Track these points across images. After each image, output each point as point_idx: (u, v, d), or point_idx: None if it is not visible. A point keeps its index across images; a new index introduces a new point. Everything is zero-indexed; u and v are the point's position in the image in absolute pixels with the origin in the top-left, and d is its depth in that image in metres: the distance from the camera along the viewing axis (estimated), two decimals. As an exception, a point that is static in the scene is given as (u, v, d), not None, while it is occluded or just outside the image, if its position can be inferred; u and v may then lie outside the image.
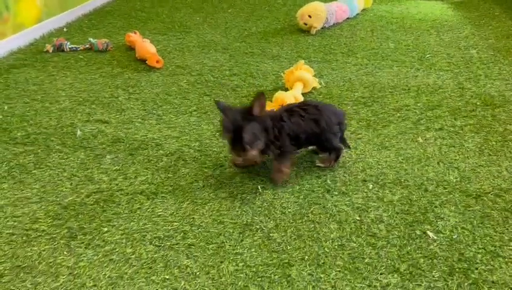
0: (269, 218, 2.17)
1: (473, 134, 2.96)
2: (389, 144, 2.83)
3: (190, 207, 2.22)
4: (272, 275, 1.87)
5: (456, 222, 2.19)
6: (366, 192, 2.39)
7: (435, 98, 3.44)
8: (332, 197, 2.34)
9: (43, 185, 2.39)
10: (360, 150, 2.76)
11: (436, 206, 2.30)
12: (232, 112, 2.10)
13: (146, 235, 2.05)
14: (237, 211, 2.21)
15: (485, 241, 2.08)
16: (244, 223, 2.13)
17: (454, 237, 2.10)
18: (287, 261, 1.94)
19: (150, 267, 1.88)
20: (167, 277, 1.84)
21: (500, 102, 3.36)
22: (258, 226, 2.12)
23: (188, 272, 1.87)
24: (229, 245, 2.01)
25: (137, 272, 1.86)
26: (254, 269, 1.89)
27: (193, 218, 2.16)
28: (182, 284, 1.81)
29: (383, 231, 2.12)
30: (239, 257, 1.95)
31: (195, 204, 2.24)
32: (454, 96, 3.46)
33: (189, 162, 2.57)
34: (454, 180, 2.51)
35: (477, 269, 1.93)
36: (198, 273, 1.87)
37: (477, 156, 2.74)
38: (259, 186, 2.40)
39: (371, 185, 2.44)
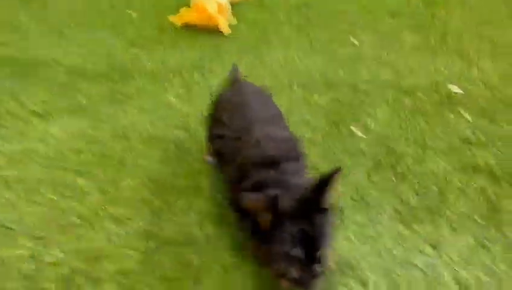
0: (182, 129, 1.92)
1: (412, 33, 2.74)
2: (320, 48, 2.59)
3: (89, 124, 1.94)
4: (179, 186, 1.63)
5: (386, 118, 2.01)
6: (291, 96, 2.15)
7: (375, 1, 3.17)
8: (254, 103, 2.10)
9: None
10: (290, 56, 2.50)
11: (367, 105, 2.10)
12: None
13: (34, 157, 1.77)
14: (145, 124, 1.94)
15: (416, 134, 1.91)
16: (153, 136, 1.88)
17: (383, 133, 1.92)
18: (197, 169, 1.71)
19: (34, 189, 1.62)
20: (54, 198, 1.58)
21: (442, 0, 3.13)
22: (167, 138, 1.87)
23: (79, 191, 1.61)
24: (132, 159, 1.75)
25: (19, 196, 1.59)
26: (158, 182, 1.65)
27: (91, 135, 1.88)
28: (71, 204, 1.56)
29: (307, 133, 1.91)
30: (142, 170, 1.70)
31: (95, 120, 1.96)
32: (395, -2, 3.21)
33: (93, 78, 2.26)
34: (388, 78, 2.31)
35: (405, 161, 1.77)
36: (90, 191, 1.61)
37: (415, 54, 2.53)
38: (173, 98, 2.12)
39: (298, 89, 2.21)
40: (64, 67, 2.32)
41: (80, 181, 1.65)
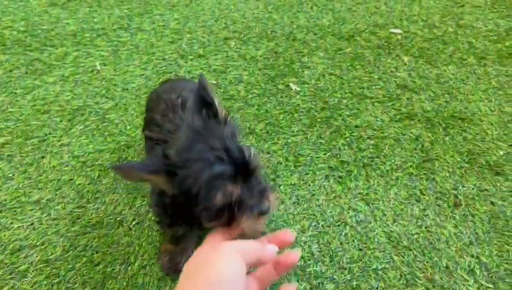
0: (107, 98, 1.80)
1: (353, -30, 2.60)
2: (258, -7, 2.43)
3: (8, 100, 1.79)
4: (104, 162, 1.55)
5: (323, 68, 1.93)
6: (226, 51, 2.04)
7: None
8: (186, 62, 1.98)
9: None
10: (225, 4, 2.35)
11: (304, 55, 2.01)
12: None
13: None
14: (67, 95, 1.81)
15: (353, 84, 1.85)
16: (75, 108, 1.75)
17: (320, 85, 1.85)
18: (124, 143, 1.62)
19: (-51, 180, 1.50)
20: (-30, 187, 1.48)
21: None
22: (91, 110, 1.75)
23: (0, 177, 1.51)
24: (54, 136, 1.64)
25: None
26: (82, 159, 1.56)
27: (10, 112, 1.74)
28: (-10, 192, 1.46)
29: (242, 91, 1.82)
30: (65, 148, 1.60)
31: (14, 95, 1.81)
32: None
33: (10, 47, 2.06)
34: (327, 23, 2.20)
35: (340, 115, 1.71)
36: (12, 175, 1.51)
37: (356, -6, 2.42)
38: (97, 63, 1.97)
39: (233, 43, 2.09)
40: (-24, 36, 2.11)
41: (1, 165, 1.55)
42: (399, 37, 2.09)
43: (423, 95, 1.79)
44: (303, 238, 1.33)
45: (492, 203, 1.41)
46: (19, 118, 1.72)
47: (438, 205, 1.41)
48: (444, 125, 1.67)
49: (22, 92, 1.83)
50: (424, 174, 1.50)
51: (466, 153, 1.56)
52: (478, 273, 1.24)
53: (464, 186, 1.46)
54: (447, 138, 1.62)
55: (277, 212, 1.40)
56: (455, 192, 1.44)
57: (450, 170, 1.51)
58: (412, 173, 1.51)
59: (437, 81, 1.85)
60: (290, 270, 1.24)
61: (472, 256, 1.28)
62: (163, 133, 1.09)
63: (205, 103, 0.94)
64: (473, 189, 1.45)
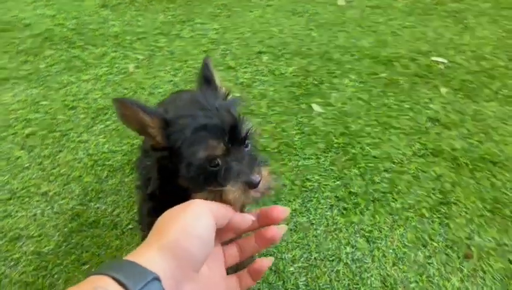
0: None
1: (406, -7, 2.49)
2: (302, 9, 2.40)
3: (42, 93, 1.89)
4: (115, 163, 1.58)
5: (352, 92, 1.85)
6: (257, 65, 2.02)
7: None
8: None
9: None
10: (266, 18, 2.33)
11: (335, 76, 1.94)
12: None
13: (-21, 127, 1.74)
14: (96, 94, 1.87)
15: (380, 112, 1.75)
16: (100, 107, 1.81)
17: (345, 109, 1.77)
18: (137, 146, 1.64)
19: (-27, 162, 1.61)
20: (-9, 171, 1.57)
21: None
22: (114, 111, 1.79)
23: (18, 165, 1.59)
24: (75, 132, 1.70)
25: (-43, 168, 1.59)
26: (95, 158, 1.60)
27: (42, 104, 1.83)
28: (6, 178, 1.54)
29: (263, 107, 1.79)
30: (82, 145, 1.65)
31: (49, 89, 1.91)
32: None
33: (57, 43, 2.18)
34: (367, 45, 2.11)
35: (359, 143, 1.63)
36: (28, 165, 1.59)
37: (404, 17, 2.31)
38: (130, 66, 2.03)
39: (265, 57, 2.06)
40: (32, 31, 2.25)
41: (21, 154, 1.63)
42: (441, 66, 1.95)
43: (455, 132, 1.65)
44: (291, 269, 1.27)
45: (510, 260, 1.26)
46: (48, 111, 1.80)
47: (446, 254, 1.29)
48: (471, 167, 1.52)
49: (57, 87, 1.92)
50: (438, 217, 1.38)
51: (490, 201, 1.42)
52: (476, 338, 1.10)
53: (480, 237, 1.32)
54: (471, 181, 1.48)
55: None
56: (468, 242, 1.31)
57: (468, 217, 1.38)
58: (424, 215, 1.39)
59: (474, 118, 1.71)
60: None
61: (473, 318, 1.15)
62: None
63: (207, 81, 0.95)
64: (490, 242, 1.31)
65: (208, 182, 0.84)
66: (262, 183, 0.84)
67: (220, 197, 0.83)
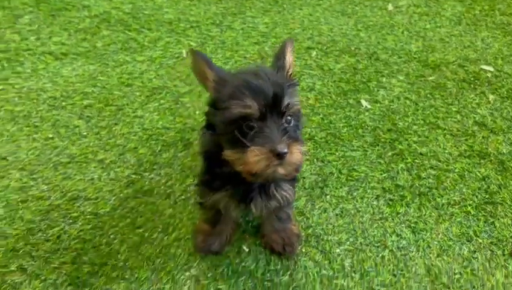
0: (185, 83, 1.91)
1: (455, 2, 2.51)
2: (351, 11, 2.44)
3: (99, 69, 1.98)
4: (168, 139, 1.65)
5: (400, 91, 1.88)
6: (306, 60, 2.07)
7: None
8: (265, 64, 2.04)
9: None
10: (315, 17, 2.38)
11: (383, 76, 1.97)
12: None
13: (42, 95, 1.83)
14: (151, 74, 1.95)
15: (428, 112, 1.78)
16: (155, 86, 1.88)
17: (392, 107, 1.81)
18: (190, 125, 1.71)
19: (36, 126, 1.69)
20: (51, 136, 1.65)
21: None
22: (168, 91, 1.87)
23: (76, 132, 1.67)
24: (130, 108, 1.78)
25: (21, 130, 1.67)
26: (150, 132, 1.67)
27: (99, 80, 1.92)
28: (65, 143, 1.62)
29: (311, 99, 1.84)
30: (137, 119, 1.73)
31: (105, 66, 1.99)
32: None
33: (113, 24, 2.27)
34: (415, 49, 2.15)
35: (407, 140, 1.66)
36: (86, 133, 1.67)
37: (452, 25, 2.33)
38: (184, 51, 2.10)
39: (314, 53, 2.11)
40: (89, 12, 2.35)
41: (79, 123, 1.71)
42: (489, 75, 1.97)
43: (502, 137, 1.67)
44: (337, 251, 1.31)
45: (555, 262, 1.28)
46: (105, 86, 1.88)
47: (491, 251, 1.31)
48: (518, 171, 1.54)
49: (113, 65, 2.00)
50: (483, 216, 1.40)
51: (537, 205, 1.43)
52: (521, 331, 1.12)
53: (525, 238, 1.34)
54: (518, 185, 1.50)
55: (314, 221, 1.38)
56: (514, 241, 1.33)
57: (514, 218, 1.39)
58: (470, 213, 1.41)
59: (521, 125, 1.72)
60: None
61: (518, 312, 1.16)
62: None
63: (277, 59, 1.07)
64: (535, 243, 1.32)
65: (238, 141, 0.89)
66: (289, 158, 0.88)
67: (243, 159, 0.88)
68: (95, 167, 1.54)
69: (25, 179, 1.49)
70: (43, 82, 1.90)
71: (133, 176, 1.52)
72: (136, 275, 1.24)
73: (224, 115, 0.93)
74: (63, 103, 1.80)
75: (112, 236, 1.33)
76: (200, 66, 1.04)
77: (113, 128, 1.69)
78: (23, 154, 1.58)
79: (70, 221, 1.38)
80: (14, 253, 1.29)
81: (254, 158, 0.87)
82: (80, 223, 1.37)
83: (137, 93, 1.85)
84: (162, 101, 1.82)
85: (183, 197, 1.45)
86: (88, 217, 1.38)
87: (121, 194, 1.46)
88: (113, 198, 1.44)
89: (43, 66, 1.99)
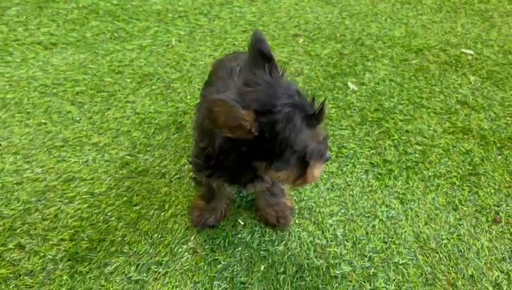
0: (175, 70, 1.94)
1: (435, -9, 2.59)
2: (336, 0, 2.50)
3: (90, 58, 1.99)
4: (161, 122, 1.68)
5: (385, 74, 1.94)
6: (293, 46, 2.12)
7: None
8: (253, 50, 2.08)
9: None
10: (301, 6, 2.44)
11: (368, 60, 2.03)
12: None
13: (32, 83, 1.84)
14: (141, 62, 1.97)
15: (412, 93, 1.85)
16: (146, 73, 1.91)
17: (378, 88, 1.86)
18: (182, 109, 1.74)
19: (28, 112, 1.70)
20: (44, 121, 1.66)
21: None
22: (159, 77, 1.89)
23: (69, 118, 1.68)
24: (122, 94, 1.80)
25: (13, 116, 1.68)
26: (142, 116, 1.70)
27: (90, 67, 1.93)
28: (58, 128, 1.63)
29: (300, 83, 1.88)
30: (129, 104, 1.75)
31: (95, 55, 2.01)
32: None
33: (101, 16, 2.29)
34: (398, 35, 2.21)
35: (393, 119, 1.72)
36: (79, 118, 1.68)
37: (433, 13, 2.41)
38: (173, 40, 2.13)
39: (301, 40, 2.16)
40: (77, 4, 2.36)
41: (71, 109, 1.72)
42: (469, 57, 2.05)
43: (483, 114, 1.74)
44: (329, 221, 1.35)
45: (536, 226, 1.34)
46: (96, 74, 1.90)
47: (476, 218, 1.37)
48: (499, 145, 1.61)
49: (103, 53, 2.02)
50: (468, 186, 1.46)
51: (517, 175, 1.50)
52: (505, 288, 1.18)
53: (508, 206, 1.40)
54: (499, 157, 1.56)
55: (306, 195, 1.42)
56: (497, 209, 1.39)
57: (496, 187, 1.46)
58: (455, 183, 1.47)
59: (501, 103, 1.79)
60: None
61: (502, 271, 1.22)
62: (214, 92, 1.14)
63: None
64: (517, 209, 1.39)
65: (298, 160, 0.95)
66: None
67: (303, 174, 0.94)
68: (89, 150, 1.56)
69: (19, 163, 1.50)
70: (34, 71, 1.91)
71: (128, 157, 1.54)
72: (135, 249, 1.26)
73: (295, 148, 0.93)
74: (54, 90, 1.81)
75: (109, 214, 1.36)
76: (233, 114, 0.87)
77: (106, 113, 1.71)
78: (16, 139, 1.59)
79: (67, 201, 1.39)
80: (12, 232, 1.30)
81: (316, 172, 0.99)
82: (77, 203, 1.38)
83: (128, 80, 1.87)
84: (153, 87, 1.84)
85: (177, 176, 1.48)
86: (84, 196, 1.40)
87: (116, 175, 1.48)
88: (109, 178, 1.46)
89: (33, 56, 2.00)
